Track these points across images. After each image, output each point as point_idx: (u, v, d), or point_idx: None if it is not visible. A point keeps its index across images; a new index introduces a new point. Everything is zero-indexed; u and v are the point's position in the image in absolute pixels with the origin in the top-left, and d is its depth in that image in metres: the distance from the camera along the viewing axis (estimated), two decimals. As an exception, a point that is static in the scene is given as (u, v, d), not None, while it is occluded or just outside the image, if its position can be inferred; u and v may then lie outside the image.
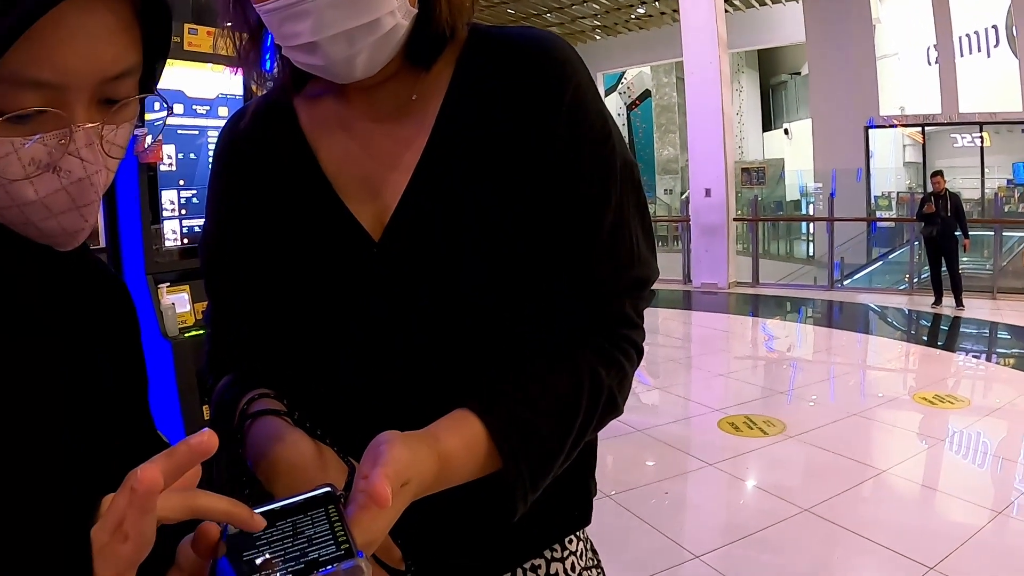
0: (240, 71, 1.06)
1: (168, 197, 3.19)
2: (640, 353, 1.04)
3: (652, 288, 1.06)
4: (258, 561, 0.64)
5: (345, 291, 0.99)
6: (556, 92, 0.96)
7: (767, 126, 23.54)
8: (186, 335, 3.20)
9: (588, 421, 0.95)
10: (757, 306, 11.09)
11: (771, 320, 10.36)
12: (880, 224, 16.05)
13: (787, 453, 5.10)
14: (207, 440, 0.62)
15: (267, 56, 1.04)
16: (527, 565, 1.10)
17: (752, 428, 5.52)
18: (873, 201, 16.24)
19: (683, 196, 15.52)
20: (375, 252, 0.98)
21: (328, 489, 0.72)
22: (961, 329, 9.36)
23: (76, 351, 0.80)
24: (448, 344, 0.98)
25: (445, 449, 0.84)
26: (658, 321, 10.30)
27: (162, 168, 3.14)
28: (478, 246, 0.95)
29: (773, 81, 23.42)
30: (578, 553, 1.15)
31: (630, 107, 23.81)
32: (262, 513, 0.70)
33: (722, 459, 4.99)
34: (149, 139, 2.96)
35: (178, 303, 3.23)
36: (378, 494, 0.69)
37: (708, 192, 12.19)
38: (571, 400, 0.94)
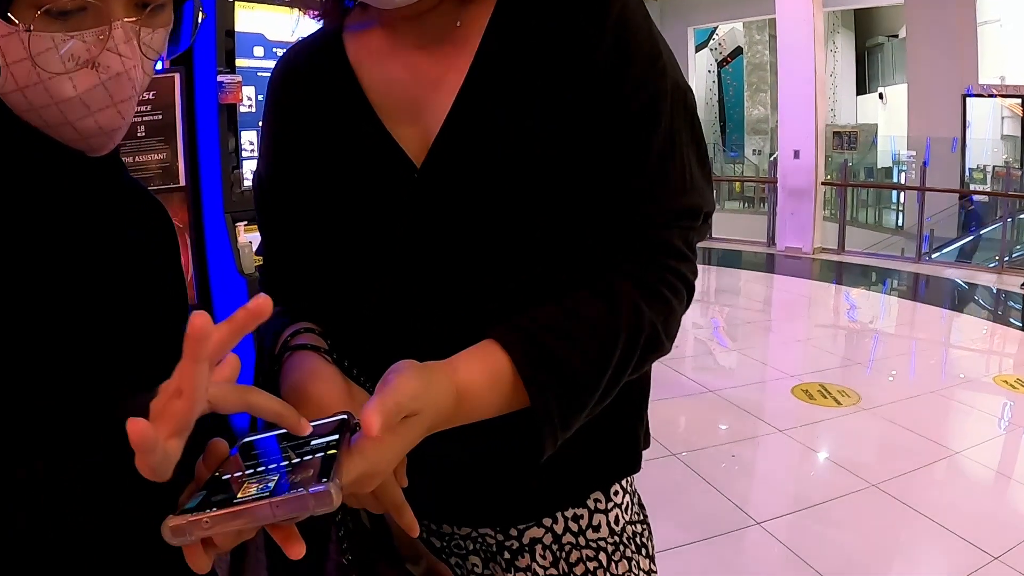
0: (315, 15, 1.08)
1: (247, 138, 3.24)
2: (690, 288, 0.99)
3: (707, 221, 1.01)
4: (234, 475, 0.65)
5: (386, 218, 0.98)
6: (601, 12, 0.93)
7: (861, 89, 22.81)
8: (261, 273, 3.25)
9: (627, 358, 0.91)
10: (841, 274, 10.84)
11: (854, 289, 10.11)
12: (974, 198, 15.48)
13: (859, 425, 5.00)
14: (263, 303, 0.65)
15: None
16: (569, 514, 1.09)
17: (826, 397, 5.42)
18: (967, 174, 15.66)
19: (771, 157, 15.18)
20: (416, 177, 0.97)
21: (343, 417, 0.73)
22: (1052, 313, 9.03)
23: (106, 263, 0.82)
24: (486, 272, 0.95)
25: (465, 381, 0.82)
26: (739, 283, 10.19)
27: (242, 109, 3.20)
28: (521, 171, 0.93)
29: (869, 43, 22.64)
30: (623, 506, 1.13)
31: (721, 64, 23.28)
32: (277, 436, 0.72)
33: (793, 426, 4.92)
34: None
35: (255, 241, 3.29)
36: (365, 423, 0.68)
37: (797, 154, 11.91)
38: (608, 334, 0.89)
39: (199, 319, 0.59)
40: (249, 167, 3.25)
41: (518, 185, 0.93)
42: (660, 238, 0.96)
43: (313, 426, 0.72)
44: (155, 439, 0.58)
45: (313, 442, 0.69)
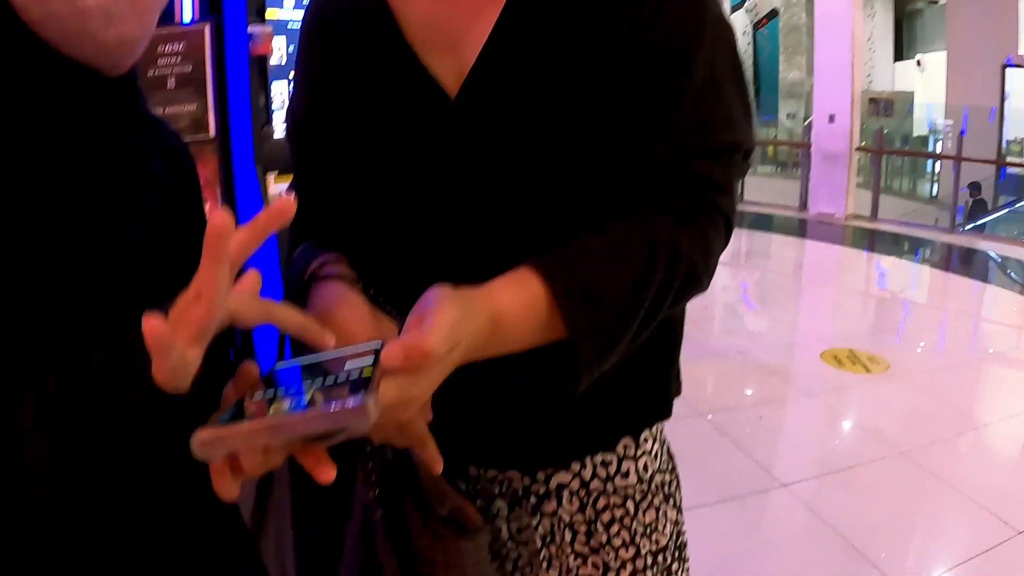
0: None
1: (278, 89, 3.23)
2: (729, 224, 0.97)
3: (747, 159, 0.99)
4: (265, 395, 0.64)
5: (420, 151, 0.96)
6: None
7: (899, 56, 22.44)
8: (292, 223, 3.27)
9: (664, 292, 0.89)
10: (873, 241, 10.71)
11: (886, 257, 9.99)
12: (1009, 171, 15.18)
13: (887, 393, 4.97)
14: (285, 203, 0.65)
15: None
16: (597, 459, 1.08)
17: (855, 363, 5.39)
18: (1005, 145, 15.35)
19: (806, 122, 14.98)
20: (450, 109, 0.94)
21: (377, 345, 0.71)
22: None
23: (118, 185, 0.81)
24: (521, 209, 0.94)
25: (500, 309, 0.80)
26: (771, 247, 10.12)
27: (272, 61, 3.18)
28: (559, 104, 0.90)
29: (908, 8, 22.21)
30: (653, 454, 1.12)
31: (756, 26, 22.94)
32: (308, 363, 0.70)
33: (821, 391, 4.92)
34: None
35: (285, 191, 3.29)
36: (387, 353, 0.67)
37: (832, 118, 11.74)
38: (645, 267, 0.87)
39: (219, 217, 0.57)
40: (280, 118, 3.24)
41: (556, 117, 0.91)
42: (701, 171, 0.93)
43: (346, 353, 0.71)
44: (170, 337, 0.56)
45: (347, 365, 0.68)
